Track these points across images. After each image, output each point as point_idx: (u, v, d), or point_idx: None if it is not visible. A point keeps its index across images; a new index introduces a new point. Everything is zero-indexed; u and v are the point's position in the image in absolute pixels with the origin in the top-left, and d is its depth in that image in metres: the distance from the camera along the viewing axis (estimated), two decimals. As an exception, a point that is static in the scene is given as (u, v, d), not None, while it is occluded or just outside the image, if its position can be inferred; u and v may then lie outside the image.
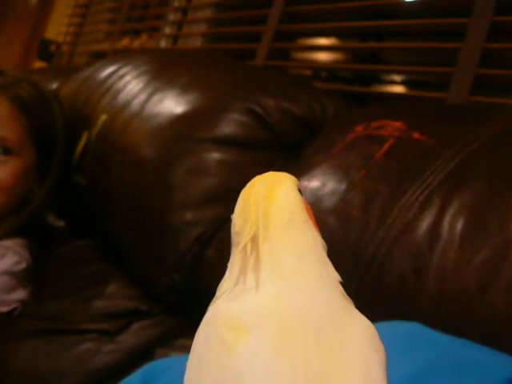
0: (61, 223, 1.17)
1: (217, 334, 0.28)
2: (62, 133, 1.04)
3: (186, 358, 0.60)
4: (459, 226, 0.57)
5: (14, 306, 0.90)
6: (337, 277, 0.31)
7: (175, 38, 1.86)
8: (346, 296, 0.30)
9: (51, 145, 1.02)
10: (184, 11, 1.88)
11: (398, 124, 0.66)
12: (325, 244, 0.33)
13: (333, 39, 1.48)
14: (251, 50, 1.45)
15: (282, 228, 0.31)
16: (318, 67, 1.50)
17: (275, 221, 0.31)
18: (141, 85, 1.01)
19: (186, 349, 0.91)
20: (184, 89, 0.94)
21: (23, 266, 0.93)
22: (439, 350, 0.46)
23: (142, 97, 0.98)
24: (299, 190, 0.34)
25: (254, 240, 0.31)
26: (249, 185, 0.34)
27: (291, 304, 0.28)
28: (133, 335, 0.84)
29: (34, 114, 1.00)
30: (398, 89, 1.36)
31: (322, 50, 1.51)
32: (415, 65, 1.19)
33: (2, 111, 0.97)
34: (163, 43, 1.87)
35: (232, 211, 0.81)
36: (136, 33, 1.99)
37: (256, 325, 0.27)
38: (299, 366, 0.26)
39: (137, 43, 1.84)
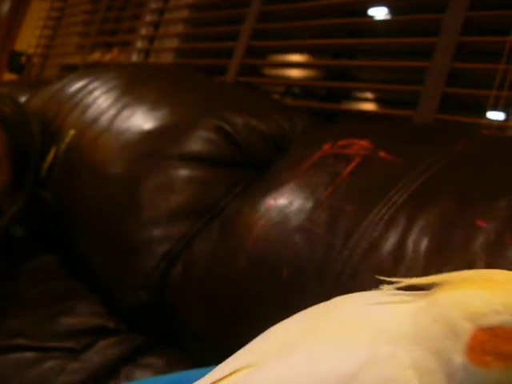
0: (28, 238, 1.15)
1: None
2: (37, 152, 1.03)
3: (157, 381, 0.59)
4: (424, 244, 0.57)
5: (-24, 324, 0.88)
6: None
7: (147, 53, 1.85)
8: None
9: (26, 163, 1.02)
10: (156, 26, 1.88)
11: (364, 143, 0.67)
12: None
13: (305, 56, 1.49)
14: (223, 66, 1.45)
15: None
16: (289, 84, 1.51)
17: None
18: (110, 100, 1.01)
19: (153, 367, 0.89)
20: (153, 105, 0.93)
21: (-14, 283, 0.91)
22: None
23: (111, 112, 0.98)
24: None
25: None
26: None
27: None
28: (98, 353, 0.83)
29: (14, 133, 0.99)
30: (369, 106, 1.37)
31: (294, 67, 1.52)
32: (386, 83, 1.21)
33: None
34: (135, 57, 1.87)
35: (199, 228, 0.81)
36: (108, 46, 1.98)
37: None
38: None
39: (108, 57, 1.83)
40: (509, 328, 0.28)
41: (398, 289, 0.33)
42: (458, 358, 0.28)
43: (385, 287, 0.35)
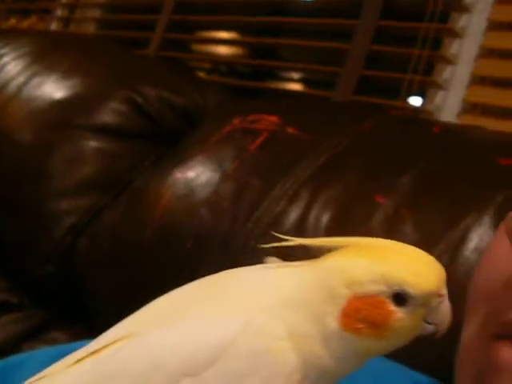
0: None
1: None
2: None
3: (44, 353, 0.57)
4: (325, 219, 0.58)
5: None
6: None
7: (67, 22, 1.79)
8: None
9: None
10: (78, -6, 1.81)
11: (273, 118, 0.67)
12: None
13: (231, 33, 1.48)
14: (145, 39, 1.42)
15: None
16: (213, 60, 1.50)
17: None
18: (19, 67, 0.97)
19: (57, 342, 0.87)
20: (64, 74, 0.91)
21: None
22: None
23: (20, 79, 0.94)
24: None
25: None
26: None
27: None
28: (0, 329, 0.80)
29: None
30: (293, 86, 1.38)
31: (217, 43, 1.51)
32: (310, 63, 1.22)
33: None
34: (54, 26, 1.80)
35: (107, 200, 0.79)
36: (25, 13, 1.89)
37: None
38: None
39: (25, 24, 1.75)
40: (382, 298, 0.28)
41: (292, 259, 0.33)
42: (333, 322, 0.29)
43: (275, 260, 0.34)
